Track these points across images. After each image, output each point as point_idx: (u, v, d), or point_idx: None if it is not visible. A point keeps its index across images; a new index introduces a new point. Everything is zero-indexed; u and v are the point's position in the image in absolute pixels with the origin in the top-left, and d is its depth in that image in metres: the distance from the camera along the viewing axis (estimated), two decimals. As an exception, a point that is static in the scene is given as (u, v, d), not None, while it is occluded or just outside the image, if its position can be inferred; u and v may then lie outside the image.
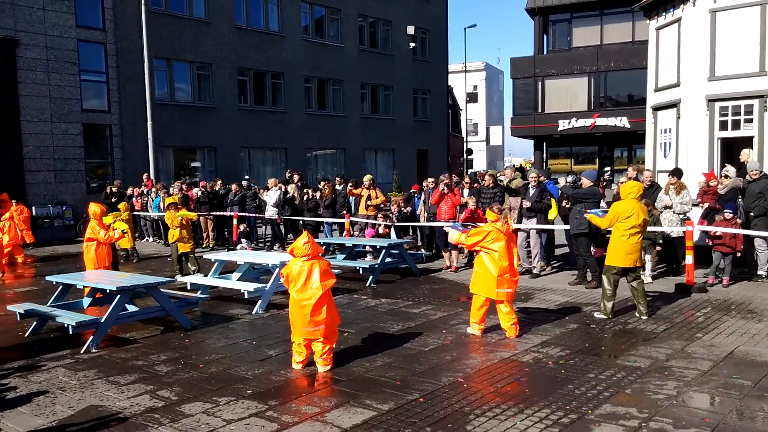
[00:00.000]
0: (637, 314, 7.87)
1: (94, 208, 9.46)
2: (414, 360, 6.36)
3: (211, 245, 15.83)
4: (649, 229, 9.80)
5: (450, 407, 5.09)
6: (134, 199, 17.49)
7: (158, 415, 5.11)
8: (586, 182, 9.95)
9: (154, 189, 17.03)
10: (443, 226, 10.06)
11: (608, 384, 5.51)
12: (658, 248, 10.40)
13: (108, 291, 7.61)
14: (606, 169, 34.33)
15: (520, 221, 10.77)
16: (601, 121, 32.45)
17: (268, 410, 5.15)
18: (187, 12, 24.13)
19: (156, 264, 13.36)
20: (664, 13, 12.67)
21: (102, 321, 7.19)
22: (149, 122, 19.82)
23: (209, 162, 25.34)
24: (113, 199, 16.12)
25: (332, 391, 5.61)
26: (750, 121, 11.09)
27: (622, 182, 10.93)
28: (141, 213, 17.47)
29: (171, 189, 15.94)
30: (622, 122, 31.78)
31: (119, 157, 21.85)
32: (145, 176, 19.08)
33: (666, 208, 10.05)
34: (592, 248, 9.61)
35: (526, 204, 10.71)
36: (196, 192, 16.21)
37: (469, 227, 7.50)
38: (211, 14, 24.70)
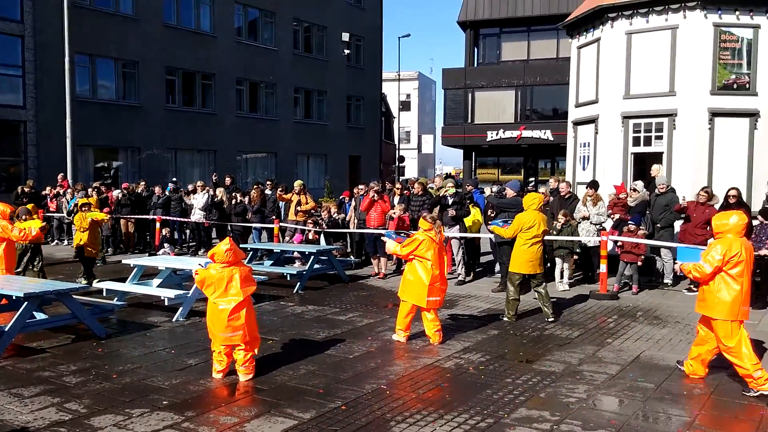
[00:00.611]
0: (544, 317, 8.27)
1: (1, 207, 8.93)
2: (338, 367, 6.36)
3: (131, 249, 15.28)
4: (567, 238, 10.25)
5: (372, 414, 5.12)
6: (48, 200, 16.66)
7: (64, 429, 4.87)
8: (510, 192, 10.27)
9: (70, 190, 16.28)
10: (377, 235, 10.15)
11: (524, 388, 5.70)
12: (576, 257, 10.85)
13: (14, 297, 7.19)
14: (531, 179, 35.48)
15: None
16: (527, 133, 33.55)
17: (185, 421, 5.02)
18: (114, 7, 23.32)
19: (71, 268, 12.76)
20: (585, 33, 13.25)
21: (6, 329, 6.78)
22: (68, 120, 18.96)
23: (133, 163, 24.49)
24: (24, 200, 15.29)
25: (253, 401, 5.53)
26: (660, 137, 11.76)
27: (542, 192, 11.37)
28: (55, 214, 16.68)
29: (89, 190, 15.28)
30: (546, 135, 32.96)
31: (33, 155, 20.80)
32: (60, 176, 18.20)
33: (584, 218, 10.50)
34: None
35: (451, 213, 10.97)
36: (116, 194, 15.61)
37: (403, 236, 7.59)
38: (139, 11, 23.95)
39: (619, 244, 10.02)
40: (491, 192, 12.85)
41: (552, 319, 8.19)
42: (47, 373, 6.23)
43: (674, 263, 10.18)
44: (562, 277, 10.49)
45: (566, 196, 11.13)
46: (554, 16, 28.86)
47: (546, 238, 8.62)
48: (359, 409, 5.22)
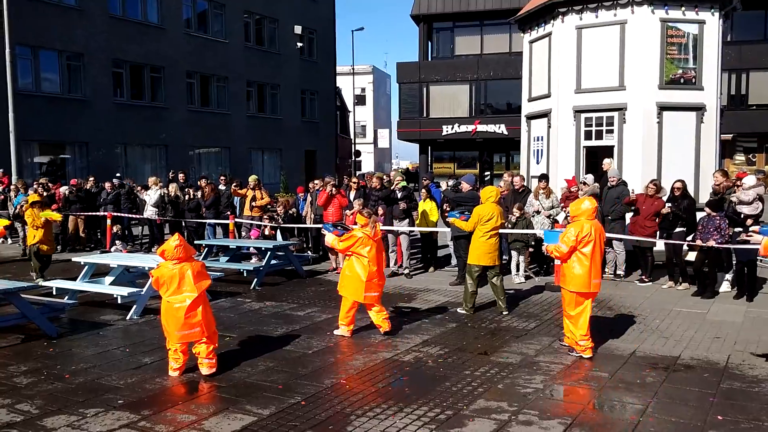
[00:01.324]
0: (498, 309, 8.39)
1: None
2: (297, 363, 6.33)
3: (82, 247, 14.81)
4: (521, 231, 10.43)
5: (332, 409, 5.11)
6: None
7: (16, 431, 4.71)
8: (465, 186, 10.38)
9: (13, 186, 15.63)
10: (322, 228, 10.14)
11: (482, 380, 5.78)
12: (531, 250, 11.05)
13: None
14: (486, 173, 35.95)
15: (391, 224, 11.12)
16: (482, 128, 33.96)
17: (141, 420, 4.91)
18: (56, -2, 22.45)
19: (17, 267, 12.29)
20: (536, 28, 13.47)
21: (-49, 332, 6.51)
22: (11, 114, 18.20)
23: (81, 158, 23.71)
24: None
25: (211, 398, 5.45)
26: (611, 131, 12.07)
27: (499, 186, 11.54)
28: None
29: (34, 186, 14.71)
30: (501, 129, 33.43)
31: (-26, 150, 19.87)
32: (0, 172, 17.48)
33: (536, 212, 10.70)
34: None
35: (402, 206, 11.08)
36: (63, 190, 15.08)
37: (340, 229, 7.60)
38: (83, 1, 23.13)
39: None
40: (447, 186, 12.95)
41: (506, 312, 8.32)
42: (-5, 375, 6.00)
43: (623, 253, 10.56)
44: (518, 270, 10.68)
45: (520, 190, 11.32)
46: (506, 11, 29.24)
47: (501, 231, 8.74)
48: (319, 404, 5.21)
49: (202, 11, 28.66)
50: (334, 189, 11.98)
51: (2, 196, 15.84)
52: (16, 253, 14.44)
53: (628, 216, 10.37)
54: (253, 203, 13.29)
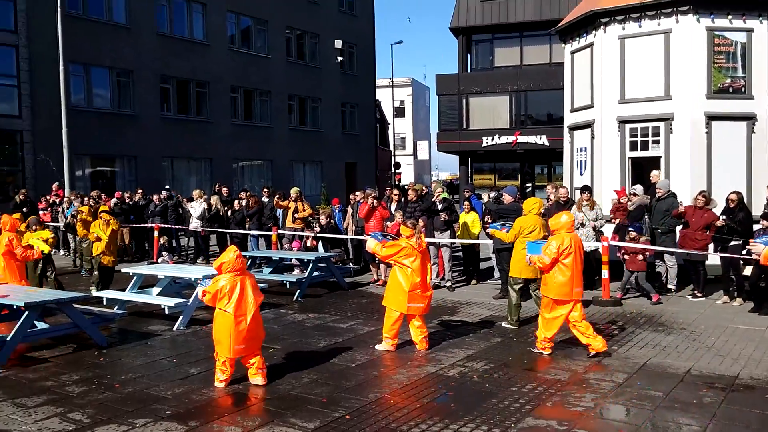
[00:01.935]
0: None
1: (7, 219, 8.89)
2: (341, 376, 6.32)
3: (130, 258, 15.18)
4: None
5: (376, 424, 5.07)
6: (42, 212, 16.47)
7: (69, 441, 4.83)
8: (507, 198, 10.27)
9: (66, 199, 16.15)
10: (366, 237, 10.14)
11: (530, 397, 5.66)
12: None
13: (15, 307, 7.14)
14: (527, 184, 35.53)
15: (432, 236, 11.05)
16: (522, 139, 33.60)
17: (188, 431, 4.97)
18: (106, 17, 23.27)
19: (69, 278, 12.66)
20: (578, 38, 13.28)
21: (8, 339, 6.75)
22: (64, 129, 18.87)
23: (129, 171, 24.40)
24: (25, 209, 15.16)
25: (256, 410, 5.48)
26: (657, 142, 11.77)
27: (548, 198, 11.37)
28: (50, 224, 16.53)
29: (86, 199, 15.16)
30: (542, 140, 33.02)
31: (30, 164, 20.68)
32: (55, 185, 18.07)
33: (580, 224, 10.48)
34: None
35: (444, 217, 11.01)
36: (112, 203, 15.50)
37: (388, 237, 7.59)
38: (132, 20, 23.91)
39: (622, 251, 9.97)
40: (489, 198, 12.81)
41: None
42: (50, 383, 6.18)
43: (675, 267, 10.24)
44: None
45: (564, 202, 11.11)
46: (546, 22, 29.00)
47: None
48: (363, 419, 5.17)
49: (245, 28, 29.28)
50: (375, 201, 12.01)
51: (58, 208, 16.37)
52: (67, 263, 14.89)
53: (678, 229, 10.07)
54: (296, 215, 13.42)
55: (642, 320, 8.63)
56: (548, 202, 11.14)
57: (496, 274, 11.32)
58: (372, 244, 7.48)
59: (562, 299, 6.88)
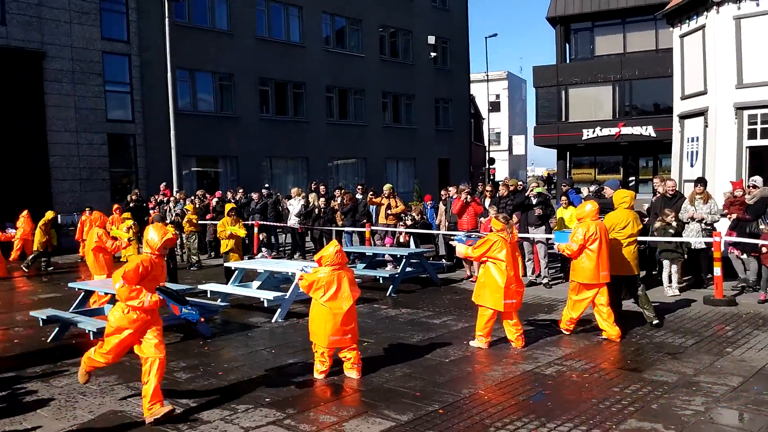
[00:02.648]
0: (647, 321, 7.77)
1: (98, 215, 9.66)
2: (434, 371, 6.28)
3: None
4: (675, 240, 9.62)
5: (470, 419, 4.99)
6: (151, 211, 17.55)
7: (176, 421, 5.09)
8: (609, 192, 9.80)
9: (173, 198, 17.11)
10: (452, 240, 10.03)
11: (633, 399, 5.37)
12: (685, 258, 10.15)
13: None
14: (631, 178, 33.86)
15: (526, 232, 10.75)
16: (626, 130, 32.00)
17: (286, 418, 5.11)
18: (210, 24, 24.44)
19: (178, 273, 13.39)
20: (687, 21, 12.47)
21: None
22: (172, 132, 20.05)
23: (231, 171, 25.55)
24: (133, 205, 16.25)
25: (351, 401, 5.55)
26: (779, 129, 10.86)
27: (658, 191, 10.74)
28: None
29: (192, 198, 16.04)
30: (648, 131, 31.31)
31: (143, 166, 22.13)
32: (162, 185, 19.19)
33: (691, 219, 9.83)
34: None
35: (538, 212, 10.68)
36: (213, 201, 16.28)
37: (474, 237, 7.42)
38: (234, 26, 24.98)
39: (761, 245, 9.21)
40: (589, 192, 12.31)
41: (656, 321, 7.70)
42: (159, 370, 6.55)
43: None
44: (670, 281, 9.85)
45: (672, 195, 10.46)
46: (650, 6, 27.34)
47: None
48: (457, 414, 5.11)
49: (340, 28, 29.82)
50: (468, 197, 11.86)
51: (166, 207, 17.40)
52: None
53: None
54: (389, 211, 13.51)
55: (760, 321, 7.96)
56: (654, 195, 10.53)
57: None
58: (462, 249, 7.37)
59: (589, 283, 7.17)
